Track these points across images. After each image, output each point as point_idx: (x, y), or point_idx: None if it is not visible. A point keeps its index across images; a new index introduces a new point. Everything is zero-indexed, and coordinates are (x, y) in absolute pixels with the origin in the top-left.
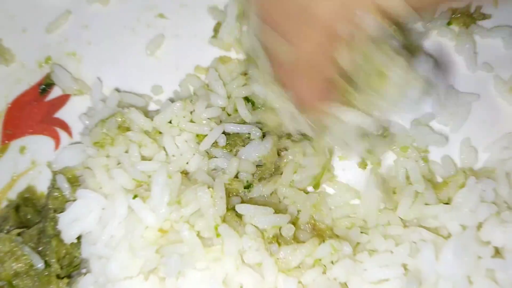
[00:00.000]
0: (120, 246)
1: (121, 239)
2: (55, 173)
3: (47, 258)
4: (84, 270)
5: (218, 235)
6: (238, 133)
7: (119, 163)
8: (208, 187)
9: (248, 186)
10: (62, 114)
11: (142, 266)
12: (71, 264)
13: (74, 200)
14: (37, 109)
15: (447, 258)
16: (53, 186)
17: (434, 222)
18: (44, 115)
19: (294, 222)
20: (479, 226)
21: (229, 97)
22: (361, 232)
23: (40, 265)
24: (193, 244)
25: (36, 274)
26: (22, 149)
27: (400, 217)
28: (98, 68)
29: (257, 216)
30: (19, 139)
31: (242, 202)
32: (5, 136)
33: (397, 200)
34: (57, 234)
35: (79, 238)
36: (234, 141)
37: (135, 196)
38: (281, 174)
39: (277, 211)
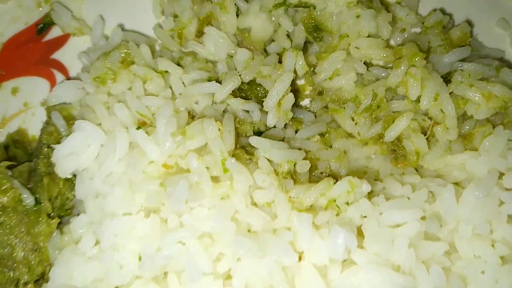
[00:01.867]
0: (120, 182)
1: (121, 175)
2: (49, 109)
3: (37, 196)
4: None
5: (225, 170)
6: (260, 84)
7: (120, 102)
8: (216, 121)
9: (258, 133)
10: (59, 55)
11: (143, 204)
12: (63, 207)
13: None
14: (33, 49)
15: (469, 200)
16: (48, 123)
17: (459, 176)
18: (41, 56)
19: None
20: (501, 176)
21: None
22: (375, 180)
23: (29, 200)
24: (201, 174)
25: (25, 211)
26: (14, 91)
27: (417, 168)
28: (101, 8)
29: (272, 150)
30: (12, 80)
31: None
32: None
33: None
34: (50, 172)
35: (72, 180)
36: (255, 90)
37: (138, 127)
38: None
39: None
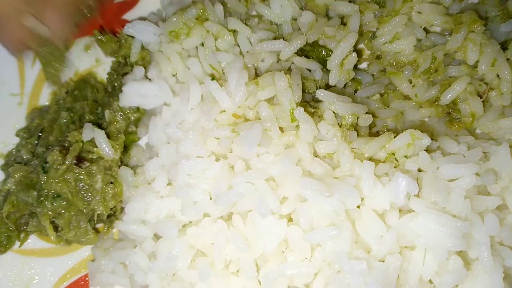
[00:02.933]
0: (193, 127)
1: (193, 122)
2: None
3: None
4: None
5: (293, 119)
6: (323, 45)
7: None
8: (285, 74)
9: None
10: (130, 15)
11: (213, 149)
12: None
13: None
14: (106, 9)
15: None
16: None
17: None
18: (112, 17)
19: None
20: None
21: None
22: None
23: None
24: (271, 121)
25: None
26: (86, 48)
27: (470, 131)
28: None
29: (337, 102)
30: (85, 38)
31: None
32: None
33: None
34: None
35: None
36: (317, 51)
37: (213, 78)
38: None
39: None
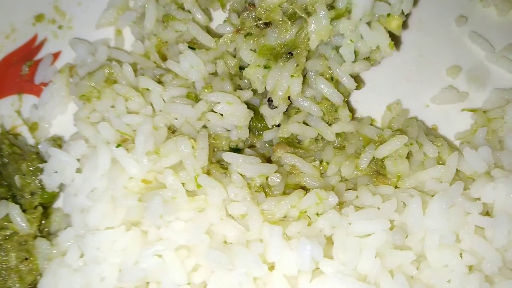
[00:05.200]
0: (102, 197)
1: (103, 190)
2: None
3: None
4: None
5: (198, 186)
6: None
7: (103, 118)
8: (190, 138)
9: (236, 150)
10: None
11: (124, 217)
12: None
13: None
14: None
15: (434, 211)
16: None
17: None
18: (32, 74)
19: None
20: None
21: None
22: (348, 189)
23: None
24: (176, 190)
25: None
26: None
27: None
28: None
29: (244, 165)
30: (3, 99)
31: None
32: None
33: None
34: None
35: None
36: None
37: (118, 145)
38: None
39: None
